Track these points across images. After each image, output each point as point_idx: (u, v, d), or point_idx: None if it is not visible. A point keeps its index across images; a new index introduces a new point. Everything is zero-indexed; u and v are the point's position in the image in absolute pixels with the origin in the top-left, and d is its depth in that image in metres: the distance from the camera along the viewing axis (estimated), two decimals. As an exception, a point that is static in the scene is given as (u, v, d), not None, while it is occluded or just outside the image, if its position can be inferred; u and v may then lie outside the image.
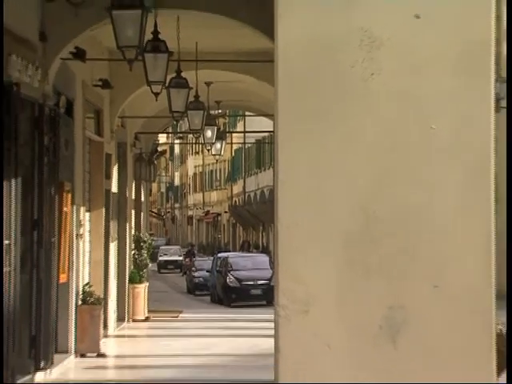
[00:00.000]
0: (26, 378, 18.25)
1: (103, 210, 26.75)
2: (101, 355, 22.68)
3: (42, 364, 19.03)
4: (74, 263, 22.33)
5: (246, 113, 52.00)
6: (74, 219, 22.30)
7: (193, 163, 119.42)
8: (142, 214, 40.66)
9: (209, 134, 33.05)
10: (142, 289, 34.78)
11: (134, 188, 36.65)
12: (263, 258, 57.01)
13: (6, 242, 16.66)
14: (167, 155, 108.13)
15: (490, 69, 4.43)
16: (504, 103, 36.84)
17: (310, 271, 4.38)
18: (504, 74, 39.54)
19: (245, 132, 75.45)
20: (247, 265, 51.61)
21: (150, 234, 54.82)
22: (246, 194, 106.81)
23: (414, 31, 4.35)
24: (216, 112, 34.29)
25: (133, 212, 36.24)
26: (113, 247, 29.13)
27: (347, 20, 4.36)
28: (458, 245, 4.40)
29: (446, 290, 4.38)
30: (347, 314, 4.37)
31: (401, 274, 4.37)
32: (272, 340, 4.46)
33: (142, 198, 42.04)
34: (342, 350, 4.36)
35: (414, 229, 4.37)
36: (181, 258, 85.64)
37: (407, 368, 4.35)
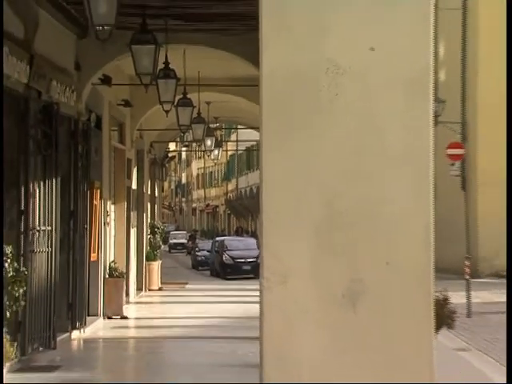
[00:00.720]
0: (65, 336, 18.60)
1: (125, 203, 27.07)
2: (123, 317, 23.02)
3: (77, 324, 19.31)
4: (102, 245, 22.61)
5: (238, 126, 52.06)
6: (102, 210, 22.55)
7: (196, 166, 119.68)
8: (155, 206, 41.14)
9: (208, 142, 33.96)
10: (156, 265, 35.33)
11: (149, 185, 36.92)
12: (252, 241, 57.73)
13: (48, 228, 17.14)
14: (176, 160, 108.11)
15: (429, 92, 4.46)
16: (440, 119, 35.72)
17: (287, 251, 4.40)
18: (441, 95, 38.81)
19: (237, 141, 75.68)
20: (239, 246, 52.03)
21: (163, 222, 55.18)
22: (239, 190, 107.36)
23: (370, 61, 4.37)
24: (214, 125, 34.41)
25: (149, 204, 36.55)
26: (133, 232, 29.34)
27: (317, 52, 4.38)
28: (405, 231, 4.43)
29: (395, 266, 4.40)
30: (318, 285, 4.39)
31: (359, 253, 4.39)
32: (258, 305, 4.47)
33: (156, 194, 42.50)
34: (314, 313, 4.37)
35: (370, 219, 4.40)
36: (186, 241, 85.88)
37: (364, 327, 4.38)
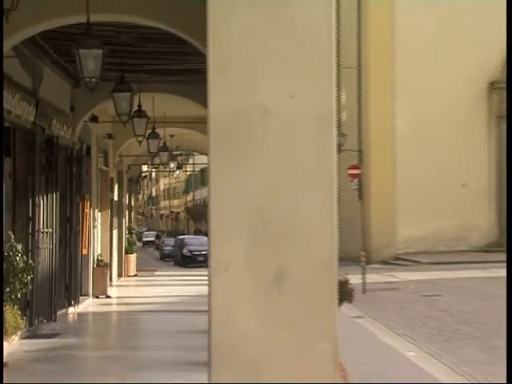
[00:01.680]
0: (63, 311, 18.60)
1: (109, 211, 27.13)
2: (108, 296, 23.06)
3: (72, 302, 19.25)
4: (91, 243, 22.69)
5: (194, 152, 52.15)
6: (91, 216, 22.64)
7: (163, 182, 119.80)
8: (132, 213, 41.41)
9: (172, 165, 34.35)
10: (133, 257, 35.48)
11: (127, 197, 36.90)
12: (205, 239, 57.40)
13: (50, 230, 17.46)
14: (147, 178, 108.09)
15: (333, 128, 4.48)
16: (343, 148, 35.28)
17: (228, 247, 4.38)
18: (343, 130, 38.46)
19: (194, 164, 75.43)
20: (195, 242, 51.78)
21: (137, 225, 55.83)
22: (195, 201, 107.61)
23: (290, 105, 4.35)
24: (176, 152, 34.44)
25: (127, 212, 36.60)
26: (115, 233, 29.33)
27: (251, 98, 4.37)
28: (316, 231, 4.42)
29: (309, 257, 4.39)
30: (251, 272, 4.37)
31: (283, 248, 4.38)
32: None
33: (132, 204, 42.68)
34: (249, 293, 4.36)
35: (291, 223, 4.39)
36: (155, 239, 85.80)
37: (287, 303, 4.37)
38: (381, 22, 40.44)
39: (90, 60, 9.25)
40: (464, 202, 39.80)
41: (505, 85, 40.53)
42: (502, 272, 28.59)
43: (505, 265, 31.71)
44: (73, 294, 19.29)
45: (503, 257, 35.36)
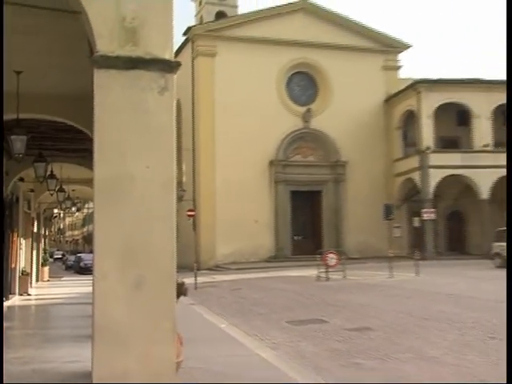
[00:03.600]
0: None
1: (30, 238, 25.86)
2: (29, 294, 21.80)
3: (3, 298, 18.04)
4: (18, 259, 21.51)
5: (89, 200, 50.81)
6: (19, 242, 21.46)
7: (68, 220, 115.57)
8: (46, 240, 39.61)
9: (73, 209, 33.10)
10: (46, 268, 34.06)
11: (43, 230, 35.52)
12: (96, 255, 56.91)
13: None
14: (57, 217, 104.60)
15: (173, 188, 4.45)
16: (184, 198, 34.37)
17: (106, 261, 4.30)
18: (184, 186, 37.46)
19: (88, 208, 73.58)
20: (88, 258, 49.00)
21: (50, 247, 53.74)
22: (89, 231, 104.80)
23: (147, 173, 4.41)
24: (77, 200, 33.46)
25: (43, 239, 35.19)
26: (34, 252, 27.87)
27: (122, 168, 4.39)
28: (162, 251, 4.41)
29: (158, 268, 4.39)
30: (121, 278, 4.27)
31: (141, 262, 4.33)
32: (92, 289, 4.35)
33: (47, 233, 41.11)
34: (119, 292, 4.29)
35: (146, 245, 4.42)
36: (62, 256, 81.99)
37: (143, 299, 4.32)
38: (207, 124, 41.59)
39: (18, 142, 9.32)
40: (256, 231, 40.79)
41: (279, 162, 41.91)
42: (276, 274, 29.31)
43: (278, 270, 32.55)
44: (4, 293, 18.36)
45: (277, 264, 36.40)
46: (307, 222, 43.57)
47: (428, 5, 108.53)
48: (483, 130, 41.07)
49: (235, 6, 49.31)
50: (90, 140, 4.43)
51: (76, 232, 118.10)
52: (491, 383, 5.46)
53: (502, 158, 40.49)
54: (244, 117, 40.66)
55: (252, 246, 40.44)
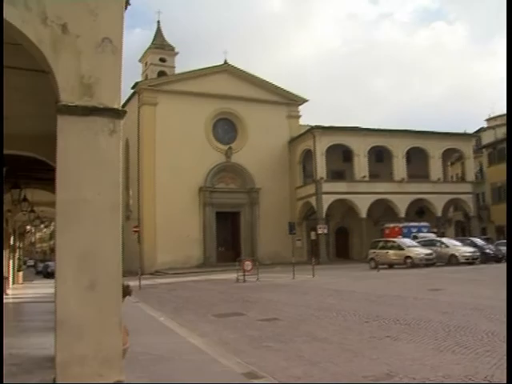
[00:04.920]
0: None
1: (8, 250, 24.35)
2: (7, 294, 20.56)
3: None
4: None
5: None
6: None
7: (38, 234, 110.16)
8: (21, 251, 37.27)
9: (42, 226, 31.66)
10: (21, 273, 32.39)
11: (18, 243, 33.51)
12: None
13: None
14: (30, 232, 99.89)
15: (119, 210, 4.42)
16: (131, 217, 33.35)
17: (66, 268, 4.16)
18: (131, 208, 36.27)
19: (54, 225, 70.04)
20: (54, 265, 47.79)
21: (24, 257, 50.85)
22: (55, 244, 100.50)
23: (98, 198, 4.30)
24: (44, 219, 32.22)
25: (18, 250, 33.21)
26: (11, 261, 26.41)
27: (78, 193, 4.30)
28: (111, 260, 4.31)
29: (107, 274, 4.28)
30: (78, 282, 4.16)
31: (95, 269, 4.25)
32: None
33: (21, 246, 38.85)
34: (77, 293, 4.18)
35: (98, 256, 4.29)
36: (34, 264, 77.73)
37: (96, 298, 4.23)
38: (149, 158, 41.16)
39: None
40: (188, 244, 40.42)
41: (207, 188, 41.74)
42: (204, 277, 29.07)
43: (206, 274, 32.28)
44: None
45: (205, 270, 36.13)
46: (229, 236, 43.71)
47: (321, 67, 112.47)
48: (361, 165, 42.67)
49: (173, 67, 49.46)
50: (55, 170, 4.34)
51: (44, 244, 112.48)
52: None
53: (375, 187, 42.21)
54: (179, 152, 40.62)
55: (185, 255, 40.04)
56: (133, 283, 12.63)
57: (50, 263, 51.79)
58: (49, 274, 44.96)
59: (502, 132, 52.17)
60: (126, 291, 5.20)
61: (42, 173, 13.45)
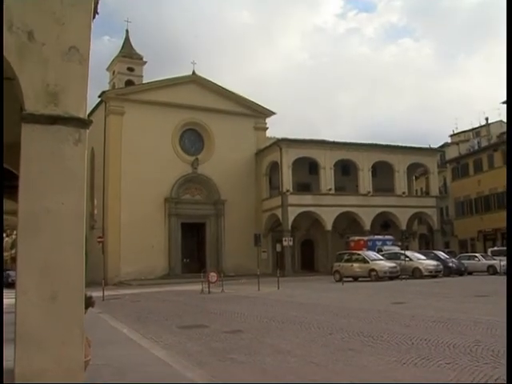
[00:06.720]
0: None
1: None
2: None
3: None
4: None
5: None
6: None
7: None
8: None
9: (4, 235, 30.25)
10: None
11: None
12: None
13: None
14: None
15: (83, 220, 4.37)
16: (95, 227, 32.75)
17: (27, 280, 4.10)
18: (96, 219, 35.75)
19: (16, 234, 68.03)
20: (15, 275, 46.20)
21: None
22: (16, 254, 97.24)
23: (61, 208, 4.25)
24: (6, 228, 31.25)
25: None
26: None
27: (40, 202, 4.22)
28: (74, 271, 4.25)
29: (69, 285, 4.22)
30: (39, 293, 4.09)
31: (56, 280, 4.18)
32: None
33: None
34: (38, 304, 4.08)
35: (60, 267, 4.22)
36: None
37: (57, 309, 4.16)
38: (115, 167, 40.80)
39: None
40: (153, 254, 40.13)
41: (172, 199, 41.55)
42: (169, 288, 28.78)
43: (170, 285, 31.95)
44: None
45: (170, 281, 35.80)
46: (194, 247, 43.50)
47: (288, 80, 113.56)
48: (327, 178, 43.18)
49: (141, 76, 48.99)
50: (18, 179, 4.27)
51: (6, 253, 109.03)
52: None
53: (341, 199, 42.74)
54: (145, 162, 40.34)
55: (150, 266, 39.60)
56: (96, 294, 12.40)
57: (10, 272, 49.97)
58: (10, 284, 43.23)
59: (465, 147, 53.89)
60: (89, 302, 5.13)
61: (5, 180, 13.13)
